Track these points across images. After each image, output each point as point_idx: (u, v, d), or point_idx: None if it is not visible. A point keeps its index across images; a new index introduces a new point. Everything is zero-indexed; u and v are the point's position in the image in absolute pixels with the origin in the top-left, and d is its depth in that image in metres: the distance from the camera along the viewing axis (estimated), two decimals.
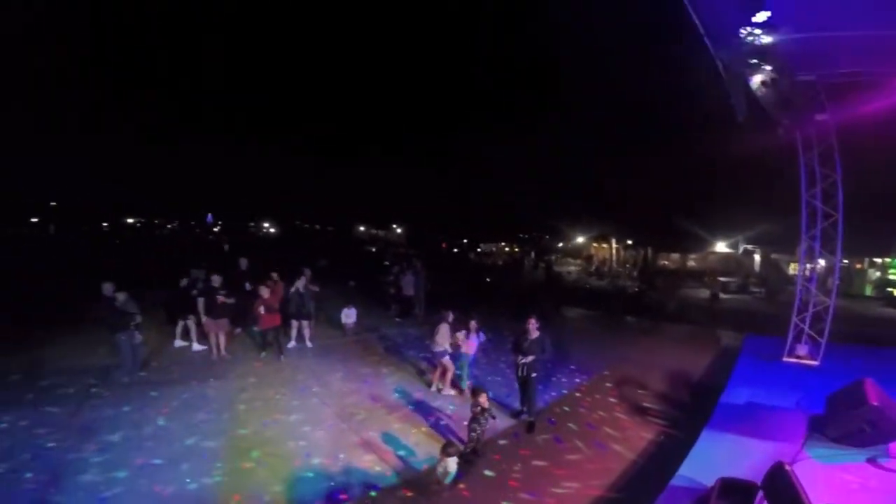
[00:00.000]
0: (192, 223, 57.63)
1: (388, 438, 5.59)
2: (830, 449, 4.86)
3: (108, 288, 7.11)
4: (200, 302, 8.32)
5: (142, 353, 7.55)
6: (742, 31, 5.80)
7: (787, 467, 3.51)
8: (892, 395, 4.93)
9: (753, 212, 24.60)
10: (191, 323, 8.71)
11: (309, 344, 9.21)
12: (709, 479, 4.03)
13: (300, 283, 8.99)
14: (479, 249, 46.32)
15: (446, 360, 7.12)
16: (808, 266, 8.85)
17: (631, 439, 5.89)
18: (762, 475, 3.71)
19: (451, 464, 4.54)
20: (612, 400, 7.27)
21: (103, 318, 7.21)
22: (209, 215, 56.64)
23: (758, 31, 5.63)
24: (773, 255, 28.82)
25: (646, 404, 7.07)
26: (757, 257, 30.71)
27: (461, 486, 4.61)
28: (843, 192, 7.89)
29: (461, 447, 5.03)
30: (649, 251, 34.39)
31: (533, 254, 39.79)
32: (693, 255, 34.78)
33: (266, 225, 61.08)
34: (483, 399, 5.25)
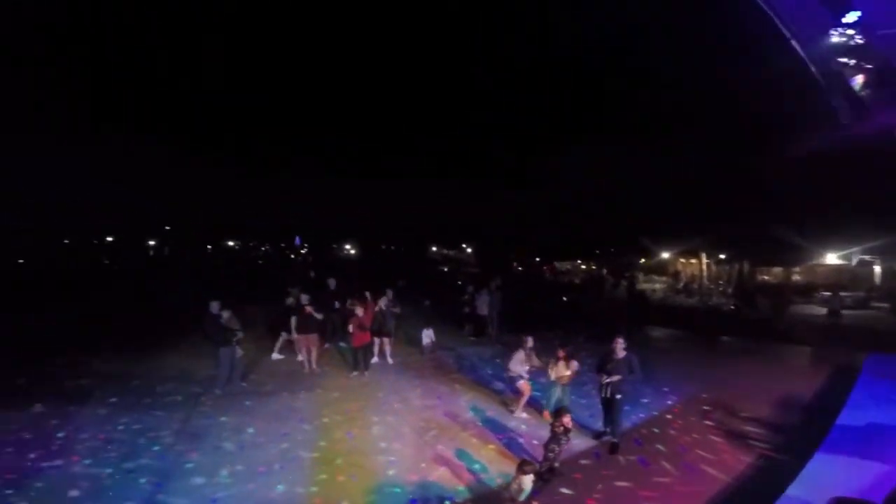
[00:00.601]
0: (283, 245, 63.19)
1: (462, 454, 5.77)
2: None
3: (214, 306, 7.88)
4: (293, 319, 9.27)
5: (241, 366, 8.30)
6: (832, 32, 5.46)
7: None
8: None
9: (867, 220, 21.48)
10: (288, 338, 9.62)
11: (389, 361, 9.77)
12: (820, 500, 3.69)
13: (383, 303, 9.63)
14: (553, 267, 45.25)
15: (521, 384, 7.09)
16: None
17: (727, 462, 5.55)
18: (882, 497, 3.38)
19: (527, 481, 4.62)
20: (707, 423, 6.86)
21: (208, 333, 7.91)
22: (297, 238, 61.74)
23: (850, 32, 5.27)
24: None
25: (746, 427, 6.59)
26: (877, 269, 26.71)
27: (535, 503, 4.66)
28: None
29: (538, 465, 5.09)
30: (745, 265, 31.30)
31: (606, 271, 37.99)
32: (797, 269, 31.03)
33: (347, 246, 65.11)
34: (567, 419, 5.25)
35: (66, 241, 46.42)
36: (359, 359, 9.06)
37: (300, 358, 9.20)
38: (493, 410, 7.29)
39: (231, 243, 64.95)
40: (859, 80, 6.35)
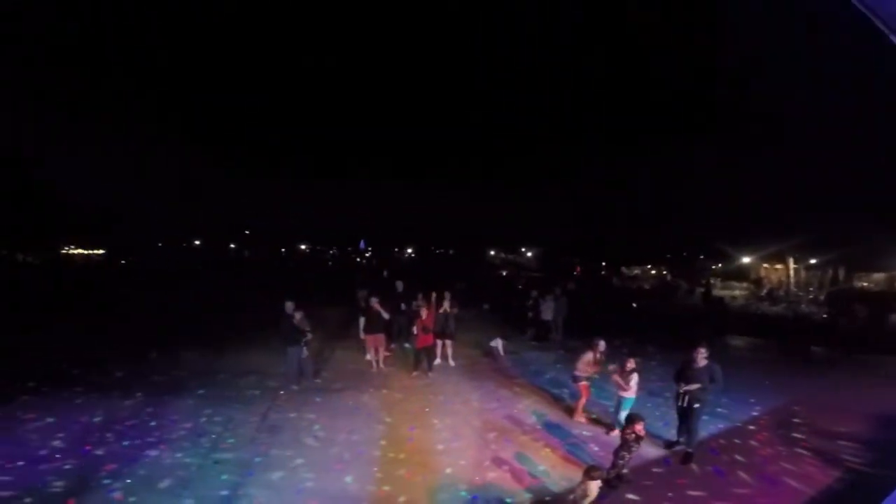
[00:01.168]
0: (349, 249, 66.21)
1: (523, 458, 5.80)
2: None
3: (289, 306, 8.20)
4: (361, 320, 9.74)
5: (310, 364, 8.65)
6: None
7: None
8: None
9: None
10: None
11: (451, 363, 10.00)
12: None
13: (446, 304, 9.92)
14: (622, 272, 43.29)
15: (581, 384, 7.02)
16: None
17: (813, 476, 5.22)
18: None
19: (593, 487, 4.58)
20: (794, 435, 6.43)
21: (282, 332, 8.25)
22: (362, 241, 64.37)
23: None
24: None
25: (837, 442, 6.12)
26: None
27: None
28: None
29: (605, 472, 5.03)
30: (840, 271, 28.11)
31: (672, 274, 35.68)
32: None
33: (409, 250, 66.81)
34: (639, 427, 5.14)
35: (159, 245, 52.08)
36: (421, 360, 9.35)
37: (368, 357, 9.69)
38: (554, 415, 7.26)
39: (303, 247, 69.23)
40: None
